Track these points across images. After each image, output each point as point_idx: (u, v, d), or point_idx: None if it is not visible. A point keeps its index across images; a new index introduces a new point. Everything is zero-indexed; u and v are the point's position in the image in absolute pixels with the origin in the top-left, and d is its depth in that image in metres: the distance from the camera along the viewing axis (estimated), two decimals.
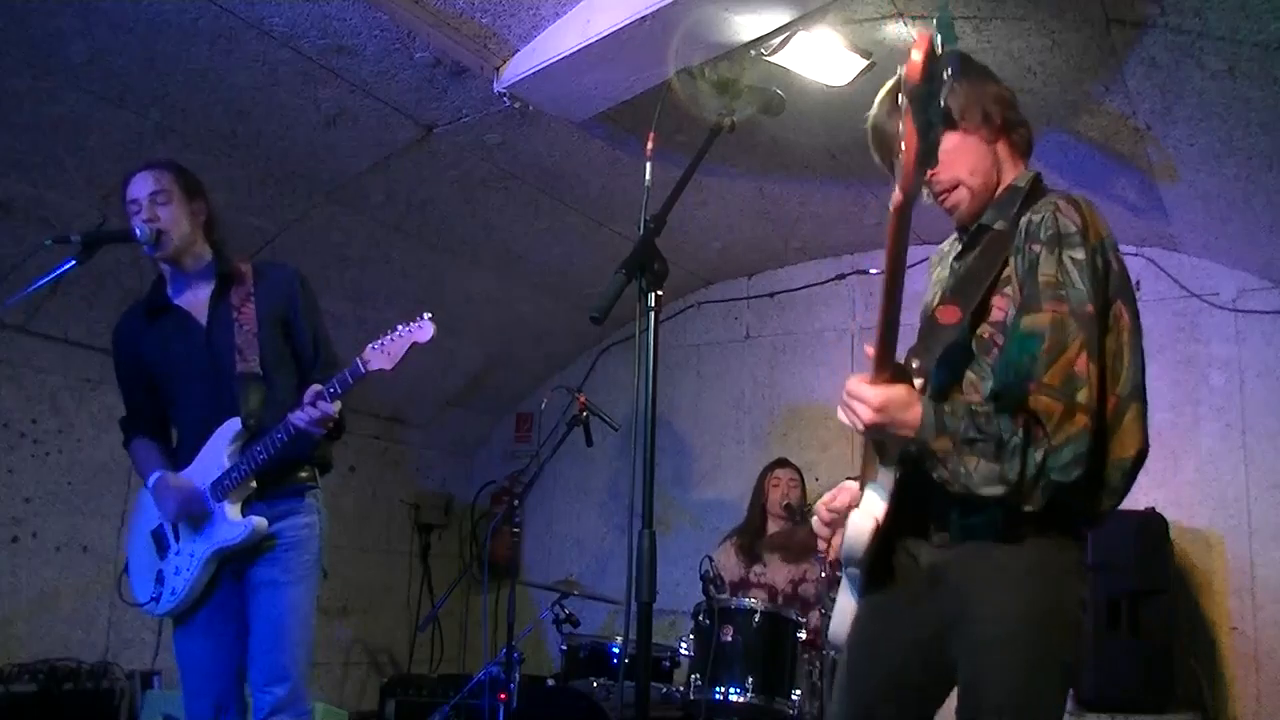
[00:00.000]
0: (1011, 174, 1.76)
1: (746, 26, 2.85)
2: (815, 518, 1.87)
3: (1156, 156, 3.43)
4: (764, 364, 5.24)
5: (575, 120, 3.51)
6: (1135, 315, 1.63)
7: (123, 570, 2.70)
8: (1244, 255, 4.01)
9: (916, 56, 1.29)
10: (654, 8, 2.76)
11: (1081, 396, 1.51)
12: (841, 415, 1.59)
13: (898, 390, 1.53)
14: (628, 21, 2.83)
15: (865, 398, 1.52)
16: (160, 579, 2.57)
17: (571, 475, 5.58)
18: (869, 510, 1.63)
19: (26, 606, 3.88)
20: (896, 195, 1.36)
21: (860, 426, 1.55)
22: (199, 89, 3.32)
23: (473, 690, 4.08)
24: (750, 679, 3.44)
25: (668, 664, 3.87)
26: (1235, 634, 3.88)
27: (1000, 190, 1.74)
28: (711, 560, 3.84)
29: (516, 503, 4.01)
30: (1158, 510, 3.80)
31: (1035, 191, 1.72)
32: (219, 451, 2.51)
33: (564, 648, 3.99)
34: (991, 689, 1.58)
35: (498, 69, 3.28)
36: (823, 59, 3.06)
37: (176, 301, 2.64)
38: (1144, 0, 2.59)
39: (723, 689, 3.45)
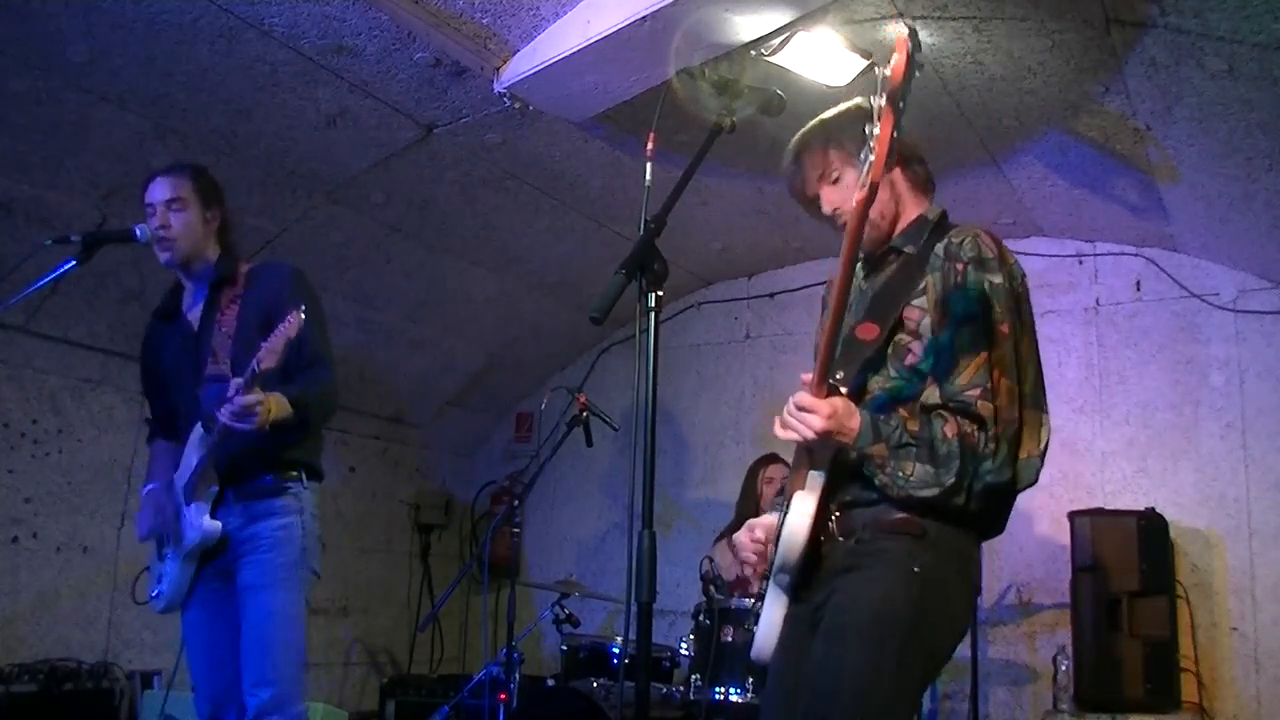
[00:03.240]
0: (915, 207, 1.95)
1: (746, 26, 2.85)
2: (740, 547, 1.97)
3: (1156, 156, 3.43)
4: (764, 364, 5.24)
5: (575, 120, 3.51)
6: (1034, 334, 1.83)
7: (145, 569, 2.75)
8: (1244, 255, 4.01)
9: (899, 59, 1.49)
10: (654, 8, 2.76)
11: (1001, 404, 1.71)
12: (780, 429, 1.72)
13: (841, 401, 1.70)
14: (628, 21, 2.83)
15: (816, 408, 1.67)
16: (159, 578, 2.63)
17: (571, 475, 5.57)
18: (803, 512, 1.74)
19: (26, 606, 3.88)
20: (861, 193, 1.58)
21: (811, 435, 1.68)
22: (199, 89, 3.32)
23: (473, 690, 4.07)
24: (750, 679, 3.44)
25: (668, 664, 3.87)
26: (1235, 634, 3.88)
27: (908, 221, 1.93)
28: (712, 560, 3.84)
29: (516, 503, 4.01)
30: (1158, 510, 3.80)
31: (942, 225, 1.91)
32: (190, 455, 2.54)
33: (564, 648, 3.99)
34: (821, 676, 1.70)
35: (498, 69, 3.28)
36: (823, 59, 3.06)
37: (186, 310, 2.67)
38: (1144, 0, 2.59)
39: (723, 689, 3.45)
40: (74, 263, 2.53)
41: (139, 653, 4.21)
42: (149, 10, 2.93)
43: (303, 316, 2.29)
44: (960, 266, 1.77)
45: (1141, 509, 3.82)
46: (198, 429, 2.53)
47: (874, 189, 1.58)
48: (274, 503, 2.54)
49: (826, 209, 1.93)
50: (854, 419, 1.69)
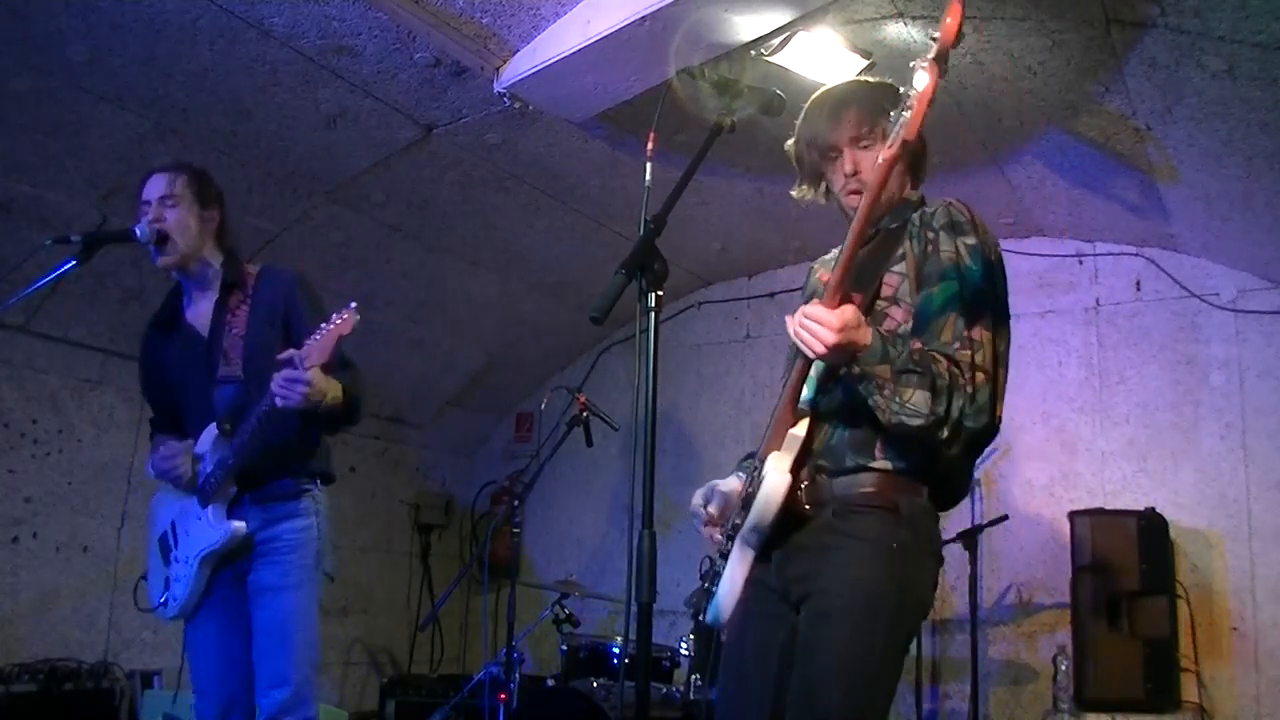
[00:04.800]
0: (904, 191, 1.99)
1: (746, 26, 2.85)
2: (694, 510, 2.00)
3: (1156, 156, 3.43)
4: (764, 364, 5.24)
5: (575, 120, 3.51)
6: (1007, 300, 1.85)
7: (141, 577, 2.74)
8: (1244, 255, 4.01)
9: (952, 22, 1.53)
10: (654, 8, 2.76)
11: (979, 358, 1.72)
12: (796, 339, 1.69)
13: (850, 310, 1.65)
14: (628, 22, 2.83)
15: (826, 320, 1.63)
16: (167, 584, 2.61)
17: (571, 475, 5.57)
18: (780, 469, 1.75)
19: (26, 606, 3.88)
20: (891, 150, 1.61)
21: (821, 350, 1.64)
22: (199, 89, 3.32)
23: (473, 690, 4.07)
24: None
25: (668, 664, 3.87)
26: (1235, 634, 3.88)
27: (895, 202, 1.96)
28: (711, 560, 3.84)
29: (516, 503, 4.01)
30: (1158, 510, 3.80)
31: (921, 203, 1.97)
32: (206, 458, 2.54)
33: (564, 648, 3.99)
34: (809, 657, 1.74)
35: (498, 69, 3.28)
36: (823, 59, 3.06)
37: (188, 315, 2.67)
38: (1144, 0, 2.59)
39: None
40: (74, 263, 2.52)
41: (139, 653, 4.21)
42: (149, 10, 2.93)
43: (356, 315, 2.31)
44: (932, 234, 1.83)
45: (1141, 509, 3.82)
46: (211, 430, 2.52)
47: (905, 147, 1.61)
48: (293, 505, 2.55)
49: (848, 166, 1.93)
50: (863, 332, 1.66)
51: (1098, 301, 4.38)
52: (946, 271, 1.78)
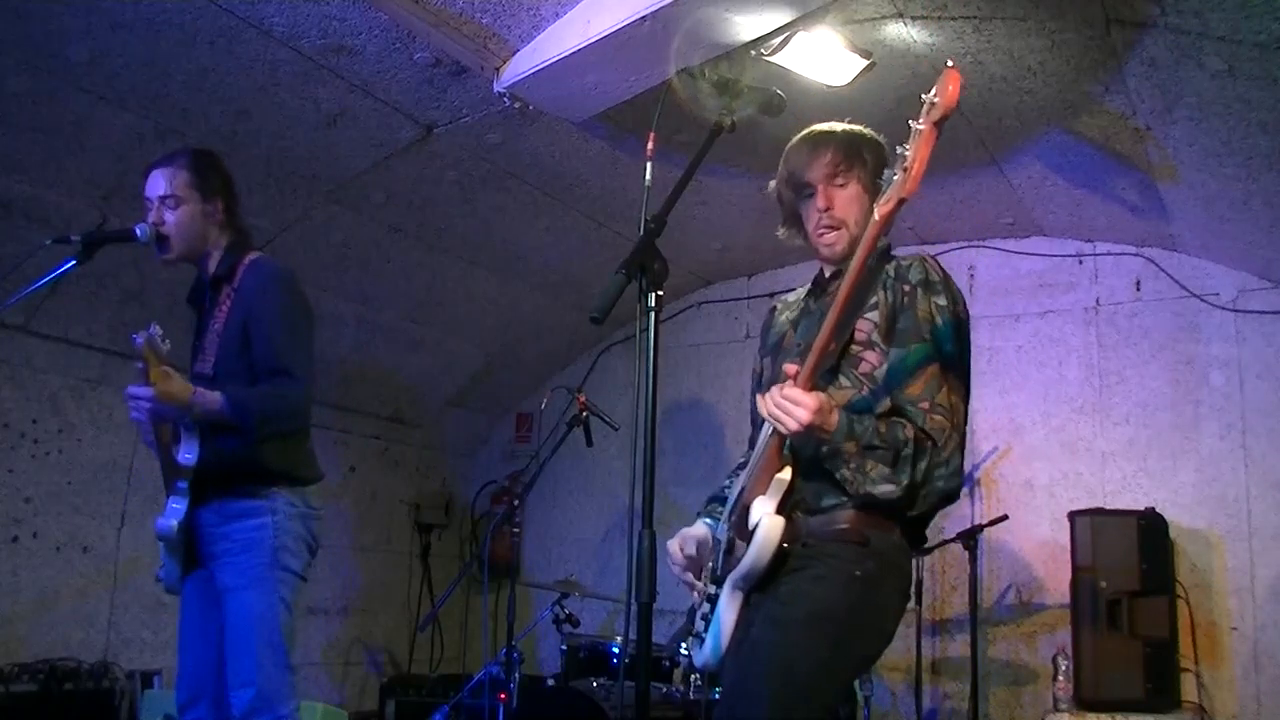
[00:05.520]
0: None
1: (746, 26, 2.84)
2: (672, 558, 2.07)
3: (1156, 156, 3.43)
4: None
5: (575, 120, 3.51)
6: (969, 357, 1.94)
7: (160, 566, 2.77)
8: (1244, 255, 4.01)
9: (953, 90, 1.59)
10: (654, 8, 2.76)
11: (956, 419, 1.84)
12: (765, 415, 1.80)
13: (823, 396, 1.78)
14: (628, 21, 2.83)
15: (804, 402, 1.74)
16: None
17: (571, 475, 5.58)
18: (770, 511, 1.83)
19: (26, 606, 3.88)
20: (888, 206, 1.66)
21: (795, 427, 1.75)
22: (199, 89, 3.32)
23: (473, 690, 4.08)
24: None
25: (668, 664, 3.87)
26: (1235, 634, 3.88)
27: None
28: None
29: (516, 503, 4.01)
30: (1158, 510, 3.81)
31: (887, 251, 2.04)
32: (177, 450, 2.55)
33: (564, 648, 3.99)
34: (752, 653, 1.81)
35: (498, 69, 3.28)
36: (823, 59, 3.06)
37: (206, 302, 2.68)
38: (1144, 0, 2.59)
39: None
40: (74, 263, 2.53)
41: (139, 653, 4.21)
42: (149, 10, 2.93)
43: (138, 342, 2.31)
44: (907, 288, 1.90)
45: (1141, 509, 3.82)
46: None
47: (903, 204, 1.67)
48: (245, 504, 2.53)
49: (821, 202, 1.99)
50: (833, 417, 1.78)
51: (1098, 301, 4.38)
52: (919, 329, 1.87)
